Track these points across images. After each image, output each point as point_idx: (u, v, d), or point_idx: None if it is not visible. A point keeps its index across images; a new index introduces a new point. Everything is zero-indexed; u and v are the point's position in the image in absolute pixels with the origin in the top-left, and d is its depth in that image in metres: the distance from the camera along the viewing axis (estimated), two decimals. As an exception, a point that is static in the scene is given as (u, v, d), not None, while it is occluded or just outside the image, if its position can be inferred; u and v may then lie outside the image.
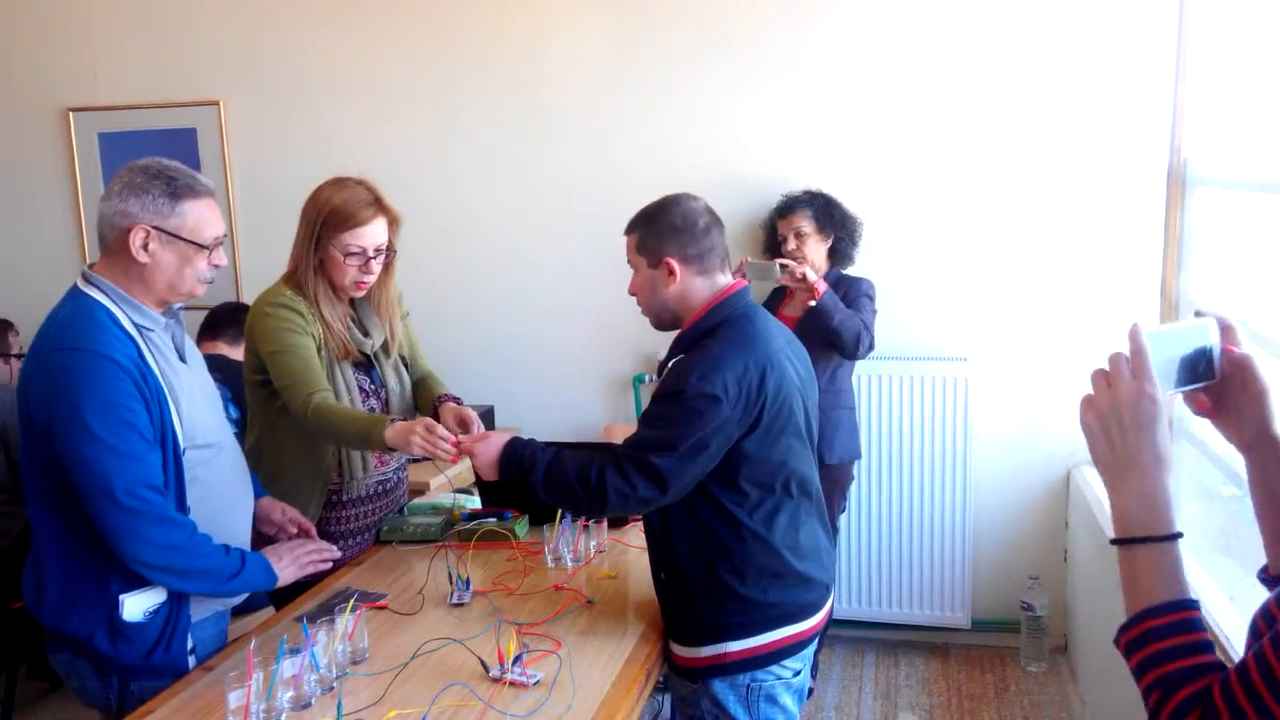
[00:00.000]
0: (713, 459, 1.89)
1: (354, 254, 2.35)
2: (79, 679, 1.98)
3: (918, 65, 3.57)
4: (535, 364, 4.01)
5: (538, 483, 1.97)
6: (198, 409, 1.97)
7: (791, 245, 3.39)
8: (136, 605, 1.91)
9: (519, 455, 2.01)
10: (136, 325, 1.89)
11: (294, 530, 2.28)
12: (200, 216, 1.90)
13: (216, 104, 4.13)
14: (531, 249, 3.98)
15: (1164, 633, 0.99)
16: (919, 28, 3.55)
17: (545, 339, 4.00)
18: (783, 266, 3.24)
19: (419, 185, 3.87)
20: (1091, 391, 1.08)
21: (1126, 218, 3.47)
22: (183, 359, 2.00)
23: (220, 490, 2.01)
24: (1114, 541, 1.05)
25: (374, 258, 2.38)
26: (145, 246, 1.86)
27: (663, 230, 2.00)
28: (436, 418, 2.41)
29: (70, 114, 4.28)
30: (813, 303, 3.21)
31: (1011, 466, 3.68)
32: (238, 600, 2.15)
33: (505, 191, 3.97)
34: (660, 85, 3.77)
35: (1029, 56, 3.49)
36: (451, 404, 2.47)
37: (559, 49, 3.84)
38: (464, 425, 2.36)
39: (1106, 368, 1.08)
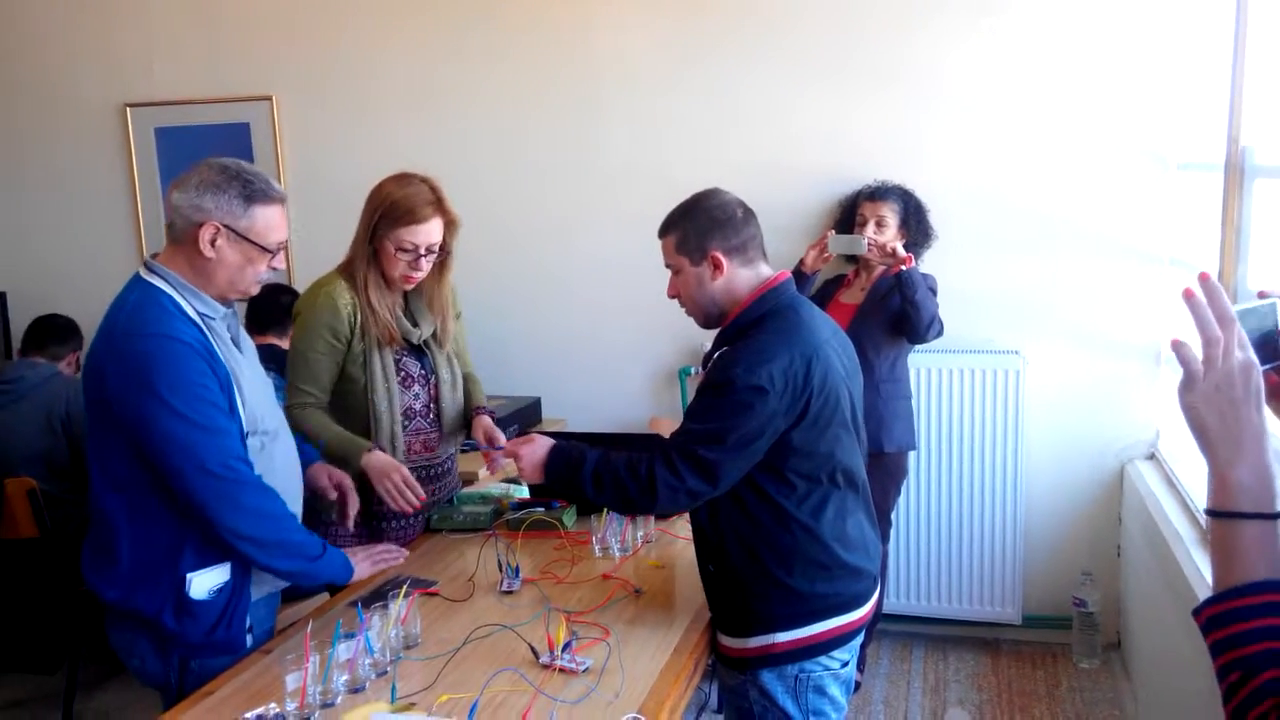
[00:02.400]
0: (760, 451, 1.88)
1: (406, 250, 2.41)
2: (139, 657, 2.02)
3: (971, 56, 3.54)
4: (581, 356, 4.03)
5: (586, 482, 1.98)
6: (255, 396, 2.02)
7: (869, 230, 3.39)
8: (203, 583, 1.96)
9: (566, 456, 2.02)
10: (199, 313, 1.95)
11: (334, 494, 2.33)
12: (269, 221, 1.96)
13: (270, 99, 4.20)
14: (578, 243, 4.00)
15: (1255, 612, 0.96)
16: (971, 17, 3.51)
17: (592, 331, 4.02)
18: (870, 242, 3.31)
19: (467, 180, 3.89)
20: (1182, 369, 1.05)
21: (1183, 208, 3.41)
22: (238, 348, 2.05)
23: (276, 478, 2.05)
24: (1216, 514, 1.01)
25: (425, 255, 2.43)
26: (213, 243, 1.91)
27: (703, 224, 2.00)
28: (470, 425, 2.56)
29: (128, 109, 4.36)
30: (902, 268, 3.22)
31: (1064, 460, 3.64)
32: (287, 583, 2.18)
33: (552, 186, 3.99)
34: (709, 80, 3.77)
35: (1087, 45, 3.44)
36: (486, 419, 2.57)
37: (608, 43, 3.85)
38: (490, 442, 2.50)
39: (1192, 348, 1.05)
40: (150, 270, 1.96)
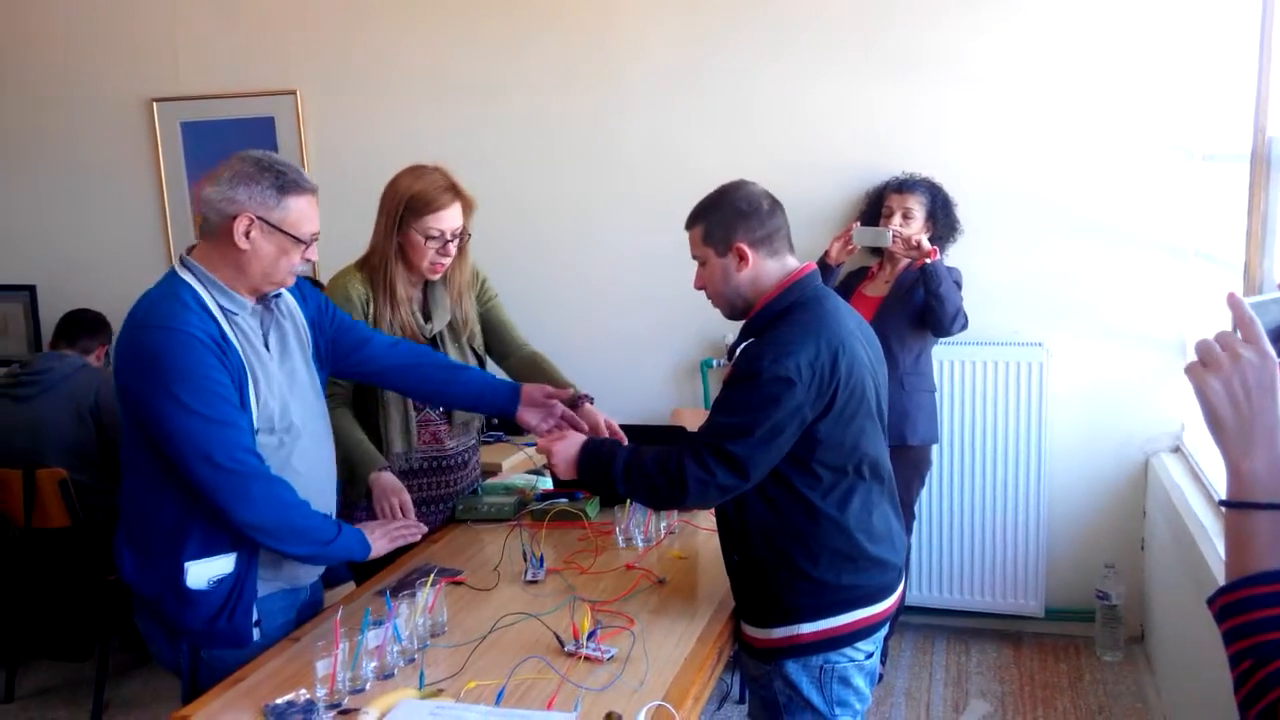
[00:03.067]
0: (788, 443, 1.89)
1: (434, 237, 2.45)
2: (155, 643, 2.07)
3: (995, 46, 3.53)
4: (604, 349, 4.03)
5: (617, 478, 1.99)
6: (277, 395, 2.02)
7: (896, 221, 3.39)
8: (201, 572, 1.97)
9: (597, 453, 2.04)
10: (223, 308, 1.96)
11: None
12: (302, 212, 1.96)
13: (294, 94, 4.23)
14: (600, 235, 4.01)
15: (1268, 601, 0.97)
16: (996, 6, 3.50)
17: (614, 323, 4.03)
18: (895, 235, 3.31)
19: (488, 171, 3.90)
20: (1197, 360, 1.06)
21: (1208, 199, 3.39)
22: (267, 346, 2.05)
23: (297, 477, 2.03)
24: (1230, 505, 1.03)
25: (451, 240, 2.48)
26: (247, 234, 1.92)
27: (729, 216, 2.00)
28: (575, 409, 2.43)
29: (154, 104, 4.41)
30: (927, 260, 3.22)
31: (1087, 453, 3.63)
32: (308, 579, 2.19)
33: (573, 177, 4.01)
34: (732, 69, 3.77)
35: (1112, 36, 3.43)
36: (589, 406, 2.48)
37: (629, 33, 3.86)
38: (594, 428, 2.37)
39: (1209, 338, 1.06)
40: (183, 264, 1.98)
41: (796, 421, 1.88)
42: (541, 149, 4.01)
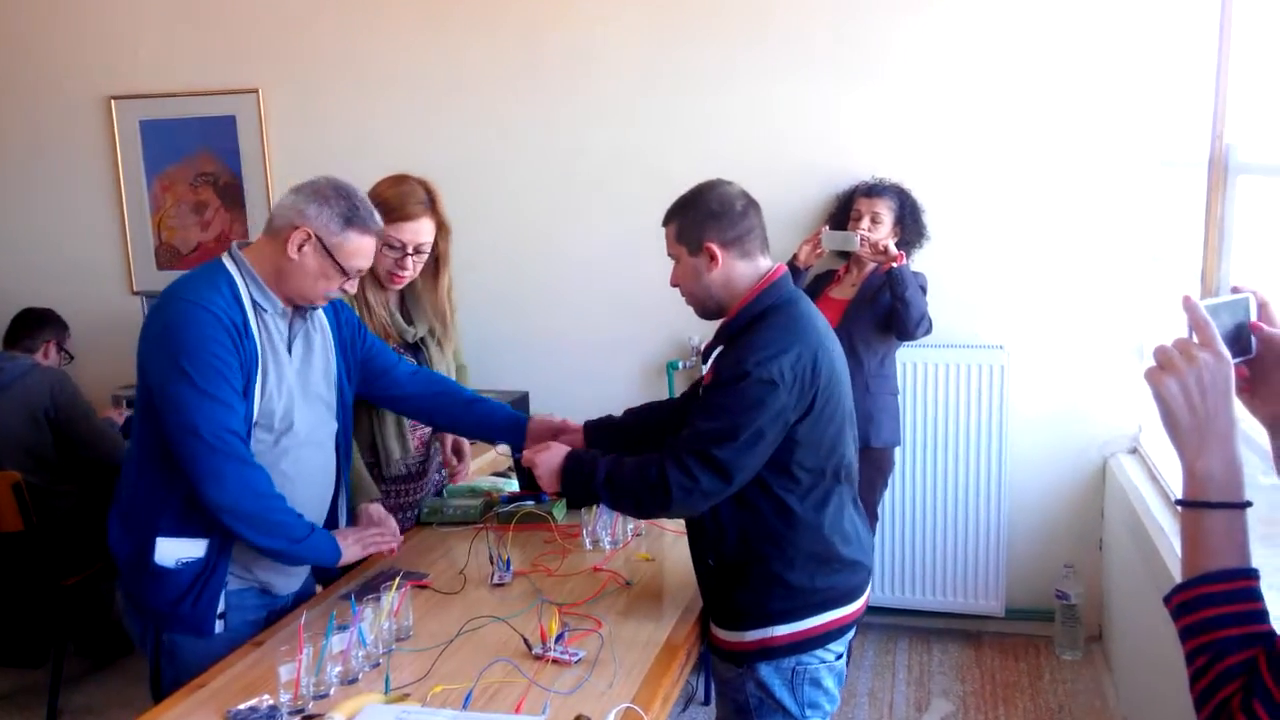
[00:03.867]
0: (771, 446, 1.89)
1: (393, 247, 2.43)
2: (127, 616, 2.12)
3: (955, 50, 3.57)
4: (569, 350, 4.04)
5: (599, 489, 1.99)
6: (284, 396, 2.04)
7: (864, 225, 3.41)
8: (169, 550, 2.00)
9: (579, 464, 2.03)
10: (254, 301, 2.01)
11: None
12: (358, 248, 2.04)
13: (255, 92, 4.18)
14: (565, 236, 4.00)
15: (1222, 599, 1.00)
16: (955, 12, 3.54)
17: (579, 325, 4.02)
18: (862, 239, 3.34)
19: (454, 173, 3.85)
20: (1154, 364, 1.08)
21: (1167, 204, 3.45)
22: (290, 349, 2.08)
23: (287, 483, 2.05)
24: (1186, 504, 1.05)
25: (412, 255, 2.46)
26: (300, 248, 1.98)
27: (701, 216, 1.99)
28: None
29: (112, 102, 4.33)
30: (893, 265, 3.25)
31: (1047, 454, 3.68)
32: (285, 590, 2.19)
33: (539, 179, 3.99)
34: (699, 73, 3.78)
35: (1068, 40, 3.48)
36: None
37: (599, 37, 3.86)
38: (458, 453, 2.73)
39: (1167, 344, 1.09)
40: (230, 255, 2.04)
41: (780, 424, 1.88)
42: (506, 149, 4.00)
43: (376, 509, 2.38)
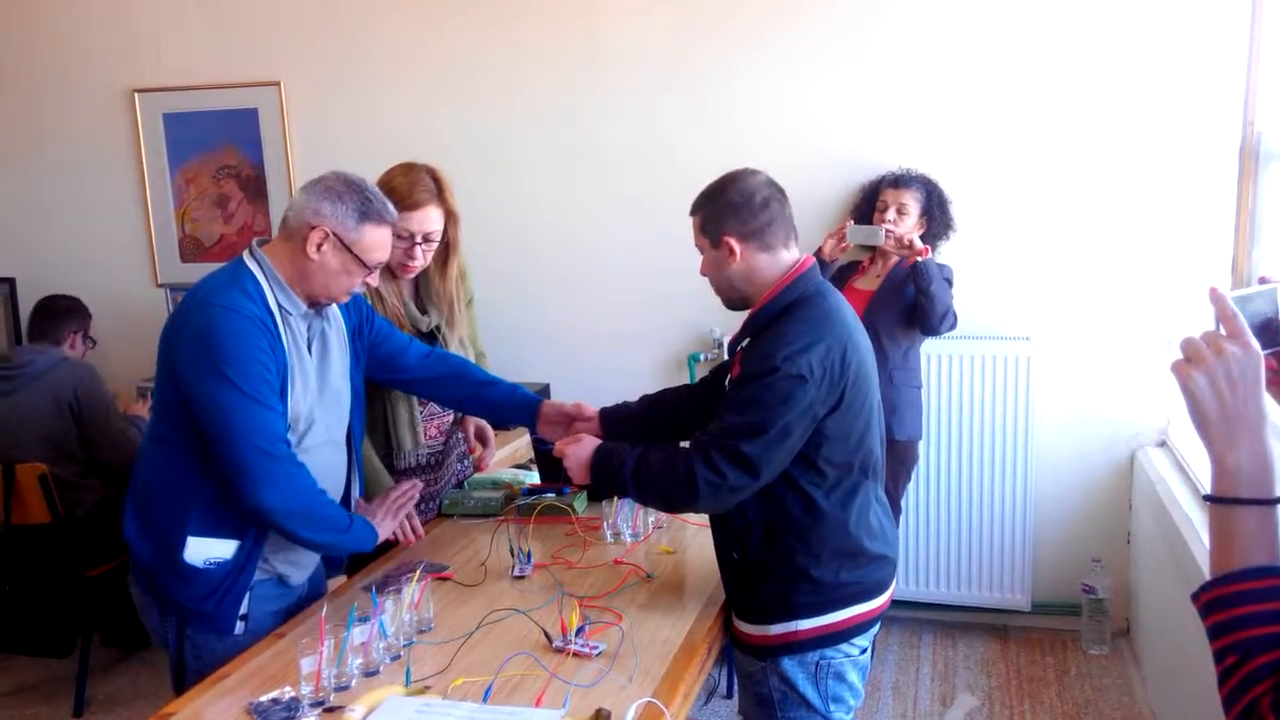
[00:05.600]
0: (800, 441, 1.87)
1: (401, 236, 2.41)
2: (146, 613, 2.13)
3: (983, 39, 3.52)
4: (590, 342, 4.02)
5: (627, 482, 1.98)
6: (306, 399, 2.06)
7: (890, 217, 3.37)
8: (199, 550, 2.02)
9: (608, 457, 2.02)
10: (279, 304, 2.02)
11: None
12: (376, 241, 2.05)
13: (277, 84, 4.18)
14: (587, 228, 3.99)
15: (1251, 597, 0.98)
16: (982, 7, 3.50)
17: (600, 317, 4.01)
18: (888, 233, 3.30)
19: (475, 164, 3.89)
20: (1181, 357, 1.06)
21: (1197, 193, 3.40)
22: (310, 351, 2.10)
23: None
24: (1214, 500, 1.03)
25: (421, 244, 2.46)
26: (319, 247, 2.00)
27: (720, 209, 1.97)
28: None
29: (136, 95, 4.35)
30: (918, 259, 3.22)
31: (1074, 447, 3.63)
32: (296, 581, 2.19)
33: (560, 171, 3.98)
34: (717, 63, 3.75)
35: (1097, 27, 3.42)
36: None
37: (618, 28, 3.83)
38: (482, 439, 2.76)
39: (1194, 336, 1.06)
40: (250, 254, 2.04)
41: (808, 419, 1.86)
42: (526, 141, 3.98)
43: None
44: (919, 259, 3.23)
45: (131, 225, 4.47)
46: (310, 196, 2.01)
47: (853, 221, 3.40)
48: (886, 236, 3.30)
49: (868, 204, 3.52)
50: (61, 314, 3.75)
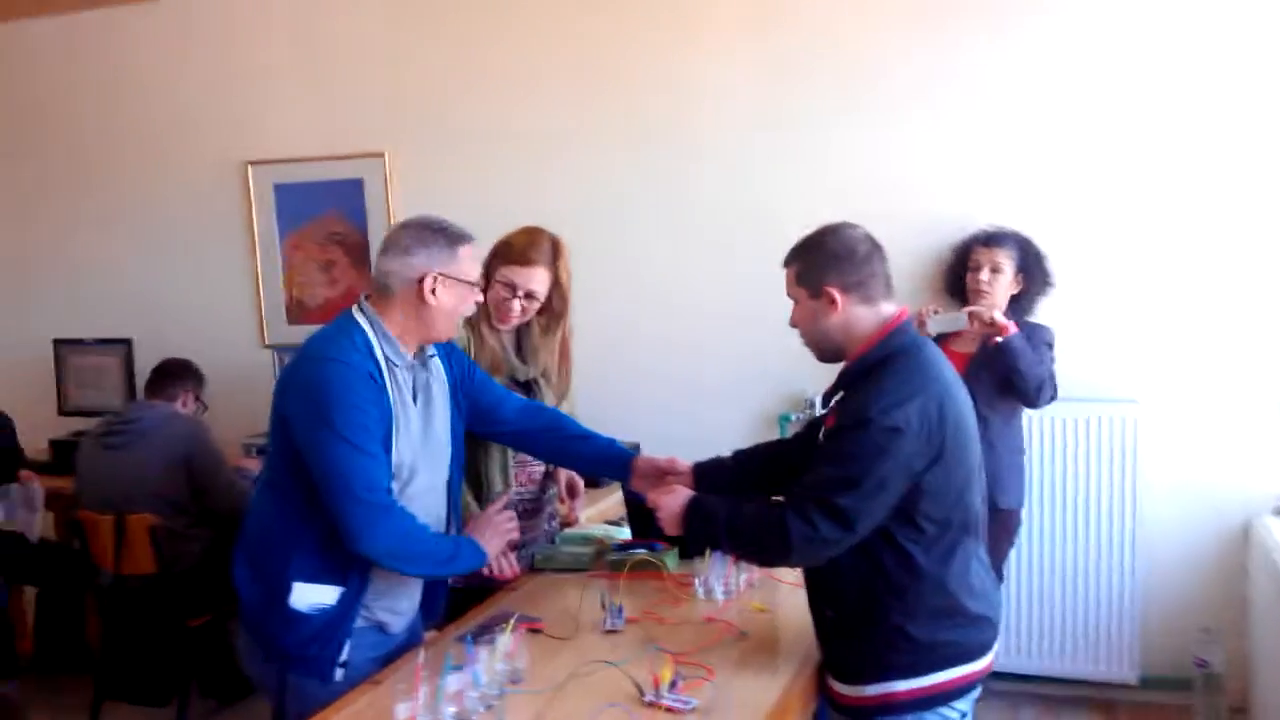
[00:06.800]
0: (895, 495, 1.84)
1: (505, 285, 2.55)
2: (249, 659, 2.18)
3: (1082, 94, 3.49)
4: (682, 401, 4.02)
5: (721, 535, 1.98)
6: (409, 449, 2.11)
7: (984, 276, 3.31)
8: (304, 595, 2.06)
9: (702, 509, 2.03)
10: (386, 357, 2.08)
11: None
12: (472, 259, 2.16)
13: (382, 155, 4.35)
14: (679, 286, 4.02)
15: None
16: (1077, 48, 3.48)
17: (692, 375, 4.02)
18: (970, 315, 3.19)
19: (566, 223, 3.93)
20: None
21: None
22: (415, 401, 2.16)
23: None
24: None
25: (522, 298, 2.56)
26: (434, 291, 2.07)
27: (822, 259, 1.98)
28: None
29: (249, 166, 4.58)
30: (999, 339, 3.14)
31: (1184, 514, 3.50)
32: (397, 628, 2.23)
33: (655, 230, 4.04)
34: (808, 122, 3.78)
35: (1200, 68, 3.37)
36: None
37: (706, 86, 3.90)
38: (573, 491, 2.83)
39: None
40: (359, 309, 2.12)
41: (904, 473, 1.83)
42: (619, 199, 4.05)
43: None
44: (1000, 339, 3.14)
45: (242, 289, 4.67)
46: (399, 253, 2.08)
47: (935, 310, 3.29)
48: (970, 320, 3.19)
49: (959, 264, 3.47)
50: (176, 374, 3.91)
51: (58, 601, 4.30)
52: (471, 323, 2.61)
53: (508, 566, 2.41)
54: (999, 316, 3.17)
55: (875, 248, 2.01)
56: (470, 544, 2.18)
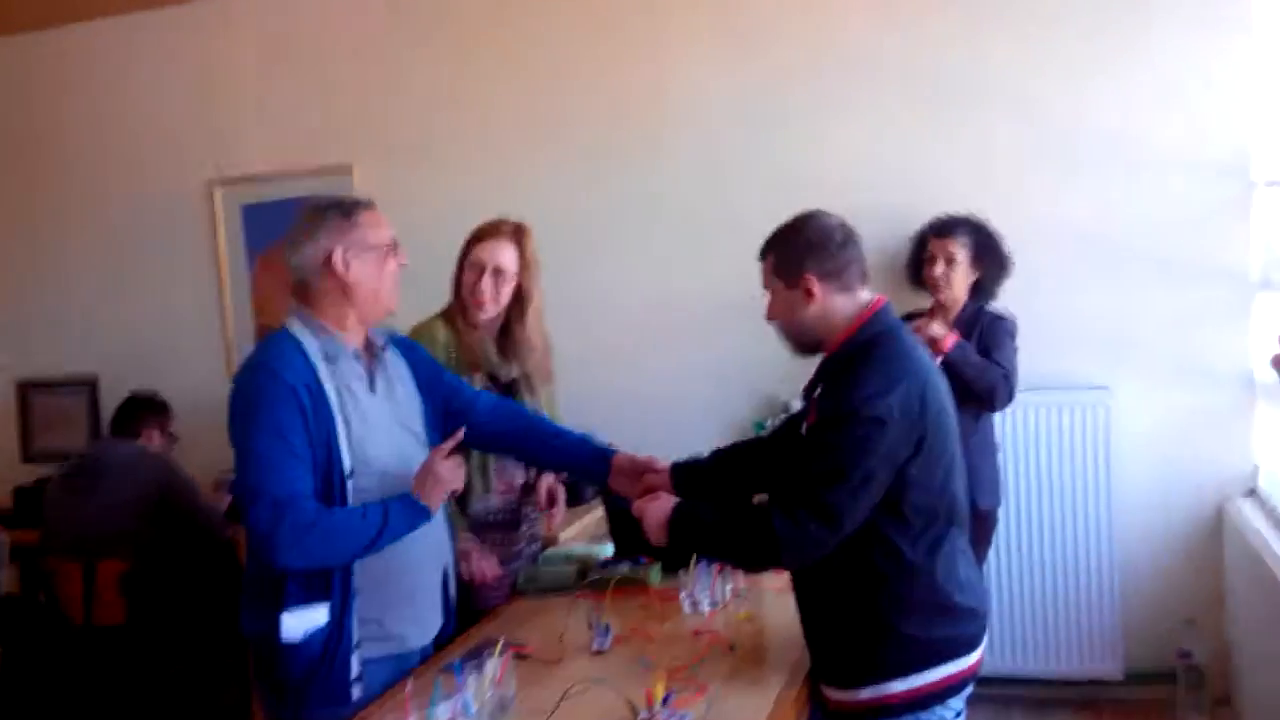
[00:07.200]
0: (882, 487, 1.83)
1: (473, 266, 2.62)
2: (265, 701, 2.13)
3: (1040, 78, 3.52)
4: (652, 406, 3.98)
5: (708, 542, 1.97)
6: (380, 438, 2.08)
7: (940, 269, 3.29)
8: (294, 625, 1.99)
9: (687, 516, 2.00)
10: (325, 353, 2.04)
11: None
12: (375, 223, 2.11)
13: (350, 170, 4.29)
14: (649, 292, 4.01)
15: None
16: (1036, 39, 3.52)
17: (662, 381, 3.99)
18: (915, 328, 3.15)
19: (543, 236, 3.94)
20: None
21: (1273, 228, 3.32)
22: (373, 389, 2.11)
23: None
24: None
25: (493, 277, 2.60)
26: (347, 267, 2.05)
27: (798, 248, 1.97)
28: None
29: (215, 189, 4.50)
30: (938, 359, 3.12)
31: (1158, 501, 3.51)
32: (417, 644, 2.19)
33: (624, 233, 4.03)
34: (779, 121, 3.79)
35: (1163, 64, 3.43)
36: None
37: (679, 95, 3.92)
38: (552, 499, 2.75)
39: None
40: (291, 314, 2.10)
41: (890, 465, 1.82)
42: (590, 202, 4.04)
43: (464, 547, 2.48)
44: (938, 358, 3.11)
45: (208, 316, 4.57)
46: (303, 244, 2.05)
47: None
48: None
49: (916, 257, 3.45)
50: (140, 410, 3.83)
51: (24, 658, 4.18)
52: (450, 320, 2.66)
53: (488, 569, 2.44)
54: (936, 330, 3.10)
55: (851, 235, 2.00)
56: (403, 502, 2.02)
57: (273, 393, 1.96)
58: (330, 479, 2.00)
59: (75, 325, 4.78)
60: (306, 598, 2.00)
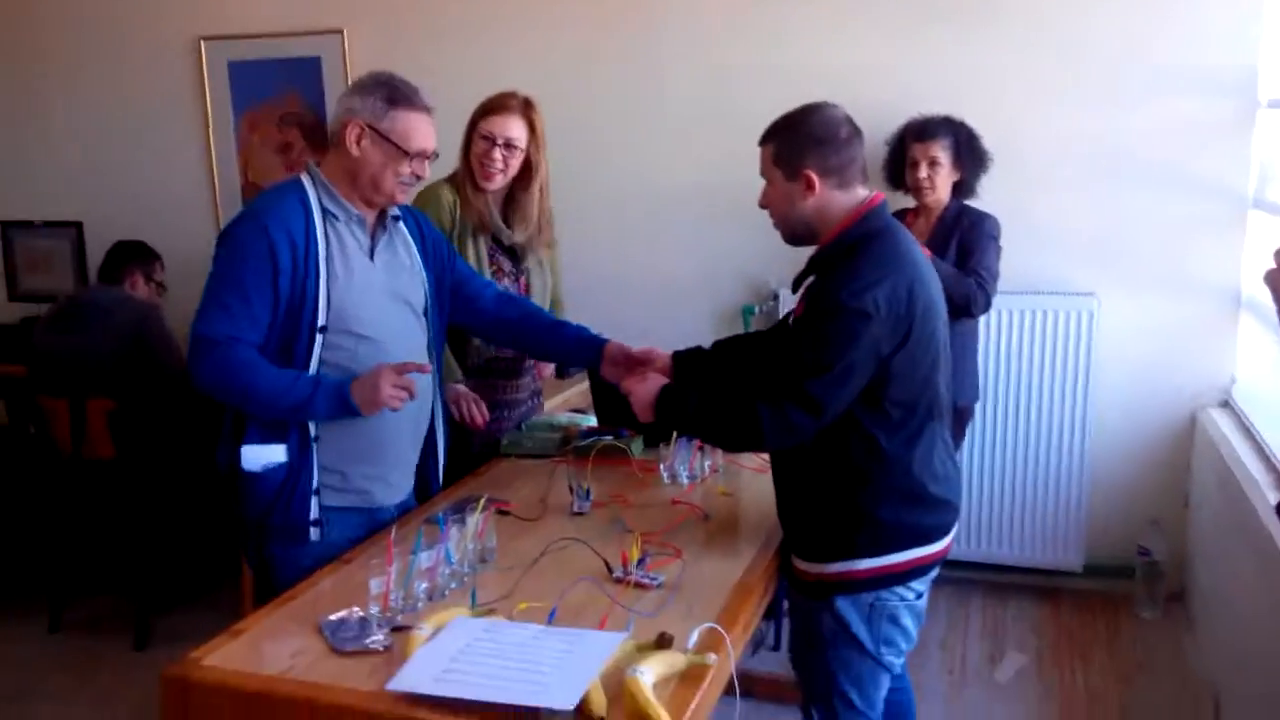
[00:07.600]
0: (864, 379, 1.85)
1: (484, 138, 2.66)
2: (240, 535, 2.21)
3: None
4: (643, 292, 3.99)
5: (692, 421, 2.00)
6: (366, 301, 2.10)
7: (923, 173, 3.25)
8: (253, 456, 2.08)
9: (674, 396, 2.03)
10: (325, 210, 2.07)
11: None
12: (410, 126, 2.08)
13: (340, 33, 4.20)
14: (640, 179, 3.97)
15: None
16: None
17: (654, 267, 3.99)
18: None
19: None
20: (1275, 266, 1.05)
21: (1271, 148, 3.30)
22: (372, 257, 2.14)
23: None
24: None
25: (503, 149, 2.65)
26: (358, 142, 2.06)
27: (802, 140, 1.94)
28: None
29: (202, 43, 4.40)
30: None
31: (1134, 406, 3.57)
32: (388, 500, 2.24)
33: (618, 118, 3.96)
34: (776, 10, 3.71)
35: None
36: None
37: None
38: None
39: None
40: (307, 169, 2.12)
41: (872, 358, 1.84)
42: (585, 85, 3.96)
43: (463, 389, 2.64)
44: None
45: (195, 172, 4.53)
46: (342, 98, 2.10)
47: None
48: None
49: (896, 161, 3.39)
50: (128, 254, 3.82)
51: (13, 487, 4.26)
52: (457, 184, 2.71)
53: (479, 414, 2.60)
54: None
55: (856, 131, 1.97)
56: (335, 391, 2.02)
57: (248, 246, 2.00)
58: (298, 328, 2.03)
59: (60, 175, 4.73)
60: (264, 437, 2.08)
